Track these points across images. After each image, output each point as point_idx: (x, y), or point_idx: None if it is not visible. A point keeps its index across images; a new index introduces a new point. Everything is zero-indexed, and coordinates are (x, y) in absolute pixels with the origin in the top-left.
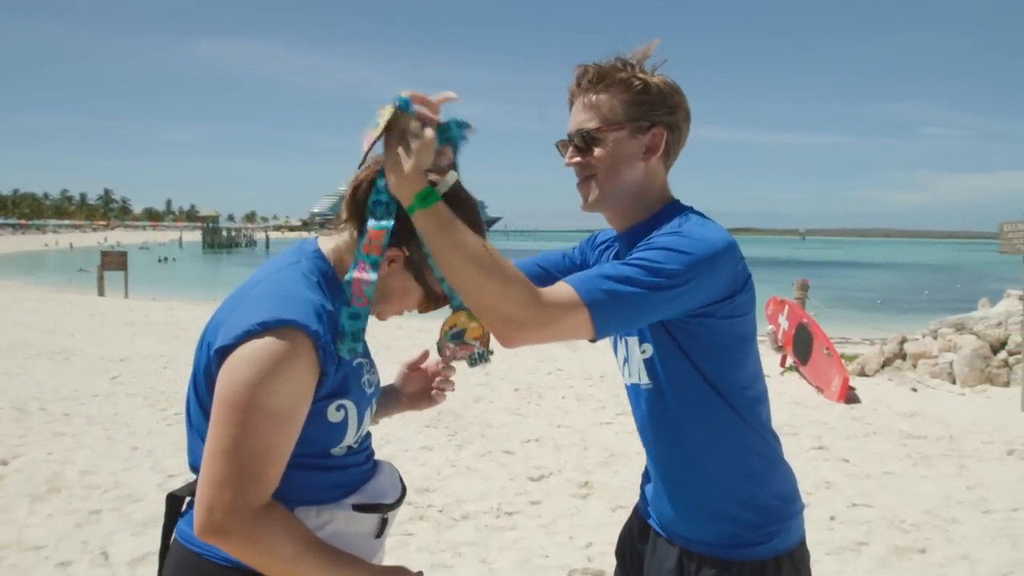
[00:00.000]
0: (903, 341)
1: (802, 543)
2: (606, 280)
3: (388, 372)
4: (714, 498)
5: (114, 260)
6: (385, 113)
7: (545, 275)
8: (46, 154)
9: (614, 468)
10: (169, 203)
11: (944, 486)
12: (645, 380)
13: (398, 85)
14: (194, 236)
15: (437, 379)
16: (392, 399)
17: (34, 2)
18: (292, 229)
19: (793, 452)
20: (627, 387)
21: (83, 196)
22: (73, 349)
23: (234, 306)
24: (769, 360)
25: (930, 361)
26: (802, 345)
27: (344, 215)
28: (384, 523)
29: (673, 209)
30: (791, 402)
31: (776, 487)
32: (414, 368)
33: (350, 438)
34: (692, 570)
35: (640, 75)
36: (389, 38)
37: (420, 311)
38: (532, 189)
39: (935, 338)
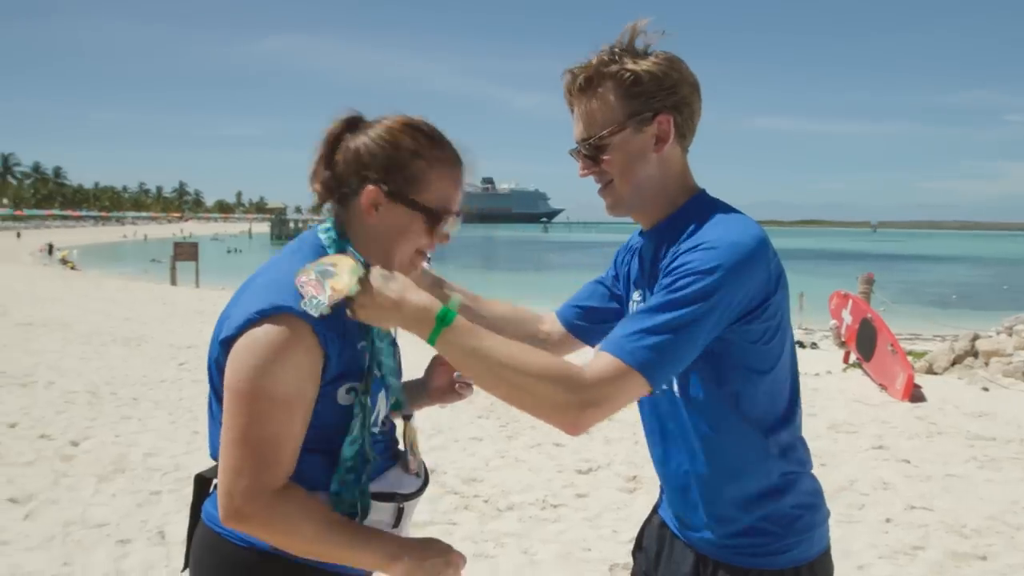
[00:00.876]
0: (975, 338)
1: (825, 553)
2: (644, 336)
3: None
4: (732, 511)
5: (185, 251)
6: (345, 265)
7: (586, 312)
8: (124, 150)
9: None
10: (239, 195)
11: (1011, 491)
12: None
13: (458, 76)
14: (263, 228)
15: (456, 373)
16: (419, 392)
17: (109, 5)
18: None
19: (851, 451)
20: None
21: (159, 189)
22: (145, 336)
23: (237, 299)
24: (832, 356)
25: (1004, 359)
26: (866, 341)
27: (320, 200)
28: (401, 512)
29: (697, 204)
30: (852, 399)
31: (799, 498)
32: (441, 362)
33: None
34: (708, 575)
35: (629, 66)
36: (449, 29)
37: (434, 243)
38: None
39: (1010, 335)
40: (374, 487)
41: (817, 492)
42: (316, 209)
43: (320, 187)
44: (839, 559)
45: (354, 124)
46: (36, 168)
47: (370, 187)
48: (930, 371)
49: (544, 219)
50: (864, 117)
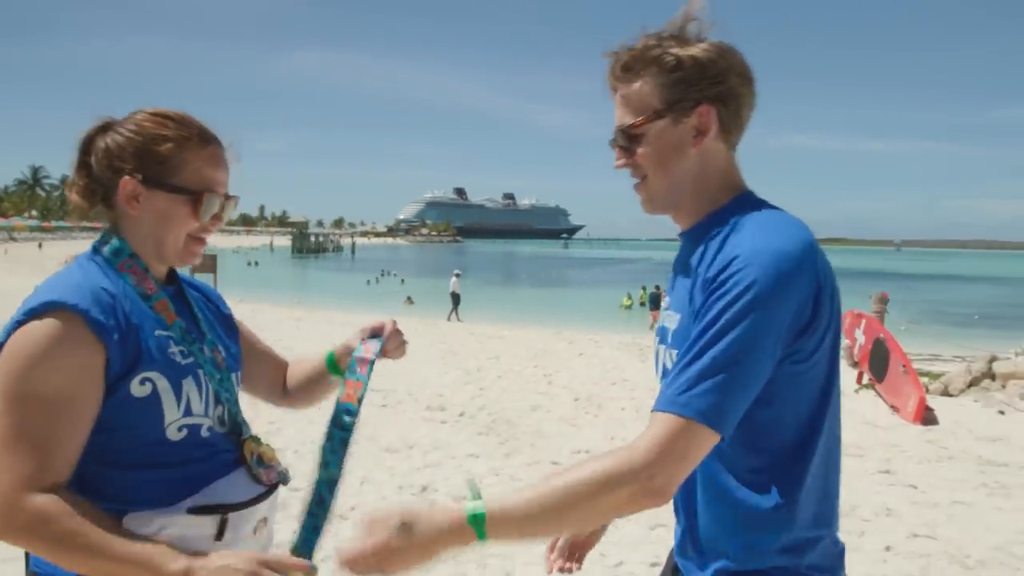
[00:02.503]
0: (993, 360)
1: None
2: (696, 383)
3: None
4: (737, 566)
5: (205, 263)
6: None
7: None
8: None
9: None
10: (262, 209)
11: (1020, 520)
12: None
13: (483, 92)
14: (284, 241)
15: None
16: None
17: (140, 22)
18: (378, 235)
19: (856, 475)
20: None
21: None
22: None
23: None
24: (845, 376)
25: (1021, 382)
26: (878, 361)
27: (80, 208)
28: (224, 523)
29: (739, 204)
30: (862, 422)
31: (817, 559)
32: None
33: (172, 414)
34: None
35: (672, 50)
36: (476, 46)
37: (205, 226)
38: (614, 196)
39: None
40: (196, 500)
41: (838, 556)
42: (76, 217)
43: (77, 195)
44: None
45: (107, 126)
46: (63, 180)
47: (125, 179)
48: (945, 393)
49: (565, 235)
50: (889, 135)
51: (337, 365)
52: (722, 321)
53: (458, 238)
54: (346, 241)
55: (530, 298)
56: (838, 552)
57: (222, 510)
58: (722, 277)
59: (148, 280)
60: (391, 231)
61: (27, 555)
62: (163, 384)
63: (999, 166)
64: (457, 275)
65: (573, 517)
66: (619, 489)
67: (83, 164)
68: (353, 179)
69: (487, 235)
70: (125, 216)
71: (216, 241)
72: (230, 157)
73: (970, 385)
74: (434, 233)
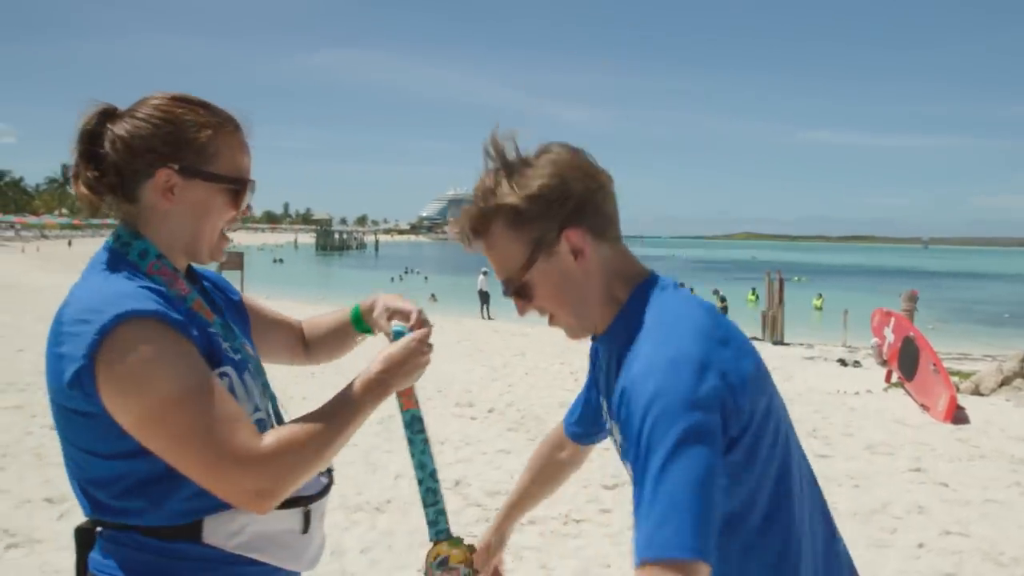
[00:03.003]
0: None
1: None
2: (667, 517)
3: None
4: None
5: (232, 260)
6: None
7: (586, 427)
8: None
9: None
10: (287, 206)
11: None
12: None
13: (508, 88)
14: (308, 238)
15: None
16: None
17: (167, 20)
18: (401, 232)
19: (887, 473)
20: None
21: None
22: None
23: (59, 336)
24: (874, 375)
25: None
26: (908, 360)
27: (90, 203)
28: (308, 515)
29: (637, 303)
30: (892, 420)
31: None
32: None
33: (246, 408)
34: None
35: (508, 199)
36: (497, 43)
37: (238, 216)
38: (634, 193)
39: None
40: None
41: None
42: (86, 216)
43: (87, 189)
44: None
45: (110, 113)
46: None
47: (161, 169)
48: (976, 392)
49: None
50: (916, 130)
51: (363, 320)
52: (677, 446)
53: None
54: (369, 239)
55: None
56: None
57: (303, 502)
58: (657, 404)
59: (180, 281)
60: (414, 229)
61: (80, 563)
62: (235, 379)
63: None
64: (484, 273)
65: None
66: None
67: (89, 154)
68: (376, 176)
69: None
70: (153, 210)
71: (241, 239)
72: (252, 142)
73: (1002, 384)
74: None
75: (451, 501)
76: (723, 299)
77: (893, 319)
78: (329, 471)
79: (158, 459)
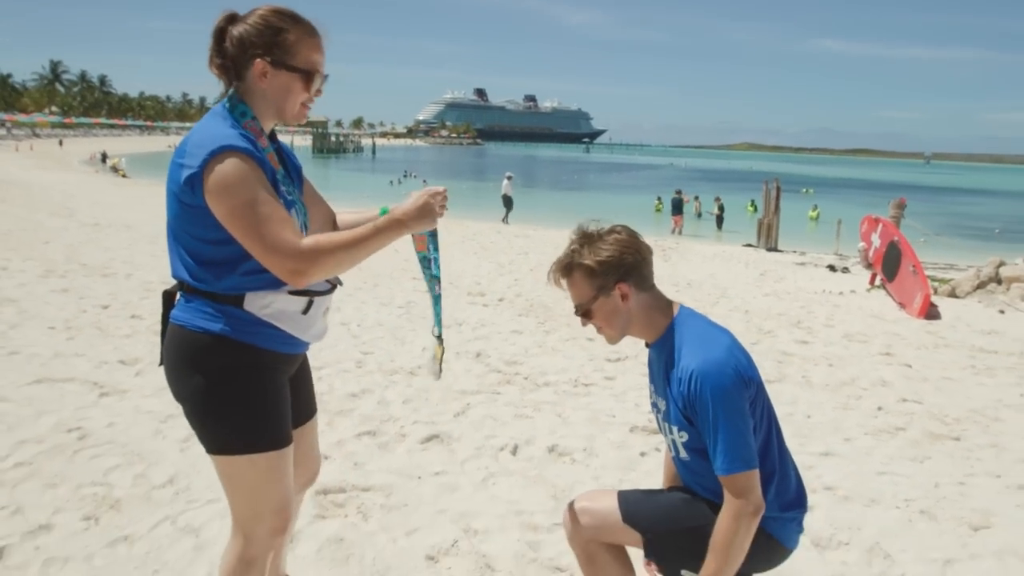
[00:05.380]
0: (1000, 265)
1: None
2: (733, 444)
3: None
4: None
5: None
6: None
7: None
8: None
9: None
10: None
11: (999, 393)
12: (684, 455)
13: None
14: (305, 141)
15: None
16: None
17: None
18: (398, 136)
19: (859, 357)
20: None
21: (202, 100)
22: None
23: (183, 151)
24: (859, 278)
25: (1023, 285)
26: (891, 263)
27: (221, 79)
28: (310, 303)
29: (676, 328)
30: (870, 315)
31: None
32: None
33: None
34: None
35: (586, 261)
36: None
37: (312, 97)
38: (638, 100)
39: None
40: (290, 287)
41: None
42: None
43: (217, 69)
44: (829, 433)
45: (233, 18)
46: (83, 76)
47: (257, 61)
48: (952, 295)
49: (586, 139)
50: (928, 42)
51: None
52: (730, 406)
53: (478, 140)
54: (366, 142)
55: (549, 200)
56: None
57: (309, 295)
58: (707, 391)
59: (263, 137)
60: (411, 132)
61: (166, 316)
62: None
63: None
64: (509, 177)
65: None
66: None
67: (218, 48)
68: (372, 79)
69: (507, 138)
70: (253, 87)
71: None
72: (326, 45)
73: (977, 288)
74: (454, 135)
75: (474, 368)
76: (721, 207)
77: (881, 225)
78: (338, 280)
79: (228, 249)
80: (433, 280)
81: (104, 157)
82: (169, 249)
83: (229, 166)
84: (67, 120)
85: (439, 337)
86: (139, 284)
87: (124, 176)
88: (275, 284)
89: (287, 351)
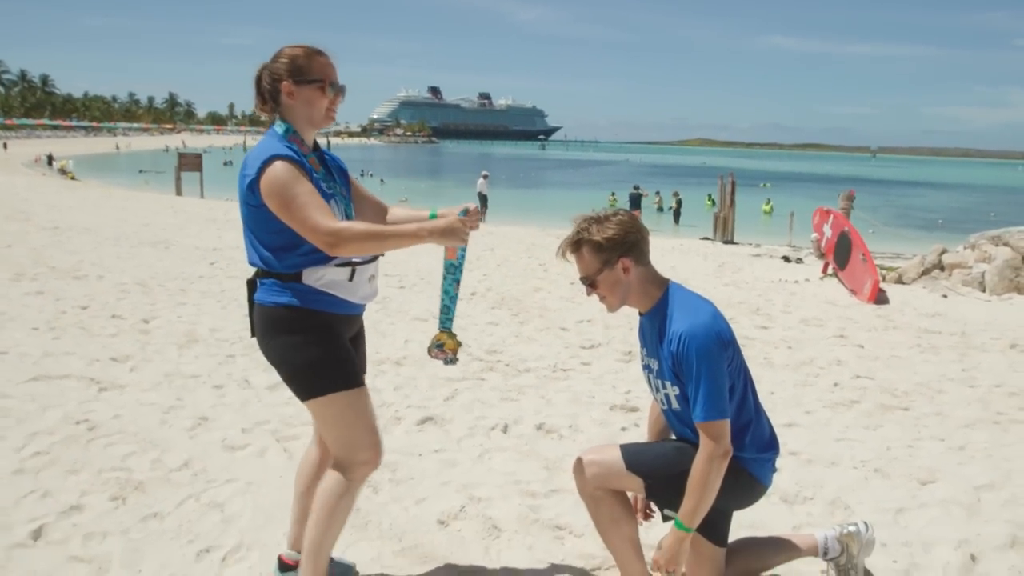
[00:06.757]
0: (943, 252)
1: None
2: (710, 397)
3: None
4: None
5: (190, 161)
6: (444, 338)
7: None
8: (112, 57)
9: None
10: (232, 107)
11: (942, 368)
12: (675, 406)
13: None
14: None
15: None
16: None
17: None
18: (352, 135)
19: (816, 339)
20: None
21: (150, 100)
22: (169, 240)
23: (247, 163)
24: (813, 268)
25: (964, 271)
26: (842, 252)
27: (268, 114)
28: (353, 271)
29: (668, 298)
30: (824, 301)
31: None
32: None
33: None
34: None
35: (595, 236)
36: None
37: (333, 101)
38: (592, 97)
39: (972, 250)
40: (337, 260)
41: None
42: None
43: (264, 108)
44: (791, 407)
45: (265, 66)
46: (23, 76)
47: (284, 83)
48: (899, 281)
49: (542, 137)
50: (871, 39)
51: (436, 215)
52: (705, 367)
53: (433, 139)
54: (321, 141)
55: (507, 199)
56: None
57: (351, 265)
58: (692, 349)
59: (304, 146)
60: (365, 131)
61: (251, 292)
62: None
63: (979, 73)
64: (485, 176)
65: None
66: (715, 461)
67: (258, 89)
68: None
69: (463, 136)
70: (286, 106)
71: (186, 141)
72: (335, 62)
73: (922, 275)
74: (408, 133)
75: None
76: (679, 202)
77: (832, 216)
78: (376, 256)
79: (285, 236)
80: (455, 283)
81: (51, 160)
82: (245, 243)
83: (277, 169)
84: (8, 121)
85: (451, 332)
86: (113, 285)
87: (73, 179)
88: (324, 260)
89: (344, 312)
